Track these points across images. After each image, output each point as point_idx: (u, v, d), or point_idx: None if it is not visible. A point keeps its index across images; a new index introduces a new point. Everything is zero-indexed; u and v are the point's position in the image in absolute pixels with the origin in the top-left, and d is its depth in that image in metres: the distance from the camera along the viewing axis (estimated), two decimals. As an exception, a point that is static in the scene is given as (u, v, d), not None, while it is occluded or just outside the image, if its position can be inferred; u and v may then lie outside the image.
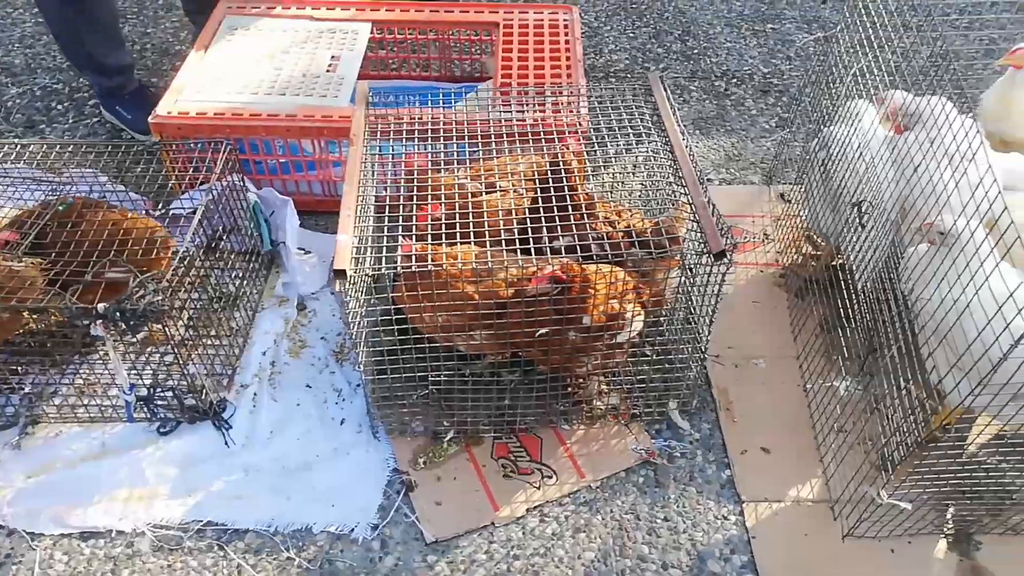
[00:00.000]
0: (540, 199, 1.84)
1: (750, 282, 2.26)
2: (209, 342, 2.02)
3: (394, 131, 2.01)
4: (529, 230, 1.71)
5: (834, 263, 2.37)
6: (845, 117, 2.12)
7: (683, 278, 1.88)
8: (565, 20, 2.79)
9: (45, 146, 2.13)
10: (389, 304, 1.91)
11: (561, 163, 1.84)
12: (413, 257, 1.69)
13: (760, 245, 2.43)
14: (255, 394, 2.02)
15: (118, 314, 1.71)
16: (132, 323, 1.73)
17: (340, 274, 1.55)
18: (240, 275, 2.20)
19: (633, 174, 1.96)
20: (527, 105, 2.34)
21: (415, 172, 1.99)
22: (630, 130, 1.99)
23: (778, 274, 2.31)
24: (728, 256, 1.56)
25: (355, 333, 1.68)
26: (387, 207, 1.78)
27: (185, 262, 1.87)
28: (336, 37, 2.70)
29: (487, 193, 2.04)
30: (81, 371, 2.02)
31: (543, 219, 1.70)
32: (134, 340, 2.06)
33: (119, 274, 1.90)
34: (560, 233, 1.71)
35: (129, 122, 2.80)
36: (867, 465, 1.60)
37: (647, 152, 1.99)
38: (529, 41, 2.68)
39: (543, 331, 1.68)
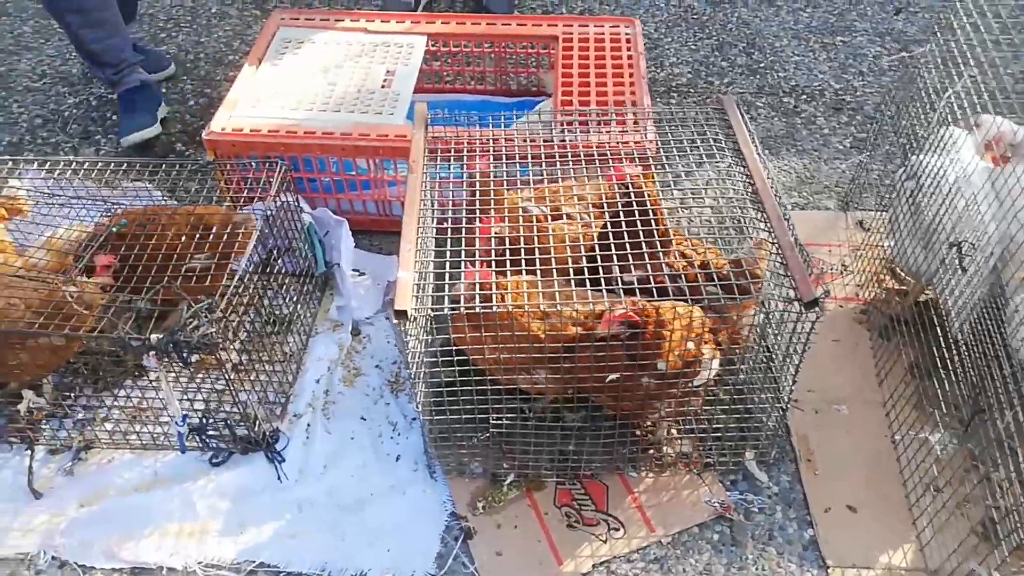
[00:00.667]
0: (610, 228, 1.73)
1: (829, 317, 2.12)
2: (262, 367, 1.95)
3: (455, 152, 1.92)
4: (598, 262, 1.62)
5: (921, 299, 2.23)
6: (938, 146, 1.97)
7: (762, 319, 1.76)
8: (627, 34, 2.67)
9: (99, 164, 2.08)
10: (448, 339, 1.82)
11: (633, 189, 1.73)
12: (477, 290, 1.60)
13: (838, 277, 2.29)
14: (308, 424, 1.95)
15: (171, 346, 1.65)
16: (185, 355, 1.67)
17: (401, 315, 1.46)
18: (294, 298, 2.13)
19: (707, 205, 1.84)
20: (591, 126, 2.24)
21: (477, 175, 1.89)
22: (703, 156, 1.87)
23: (859, 310, 2.17)
24: (820, 305, 1.43)
25: (413, 372, 1.60)
26: (448, 225, 1.69)
27: (239, 286, 1.80)
28: (391, 51, 2.62)
29: (552, 219, 1.94)
30: (133, 395, 1.98)
31: (613, 250, 1.60)
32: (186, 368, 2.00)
33: (203, 262, 1.88)
34: (631, 264, 1.60)
35: (143, 123, 2.75)
36: (971, 535, 1.47)
37: (722, 180, 1.86)
38: (590, 56, 2.57)
39: (614, 376, 1.58)
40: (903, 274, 2.35)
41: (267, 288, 2.09)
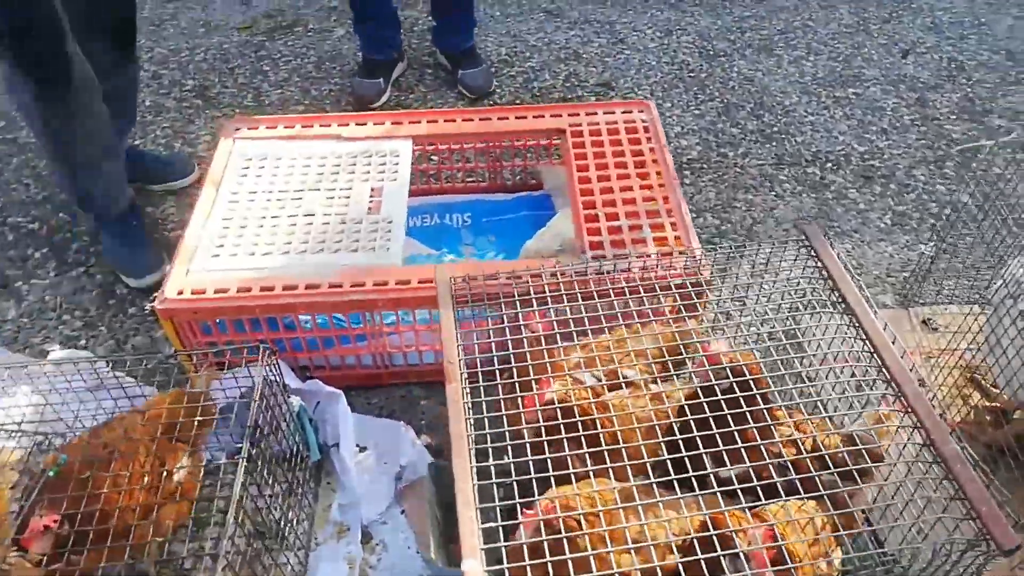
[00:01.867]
0: (691, 407, 1.37)
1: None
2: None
3: (472, 296, 1.54)
4: (681, 450, 1.25)
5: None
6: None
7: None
8: (644, 121, 2.32)
9: (29, 366, 1.63)
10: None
11: (732, 374, 1.37)
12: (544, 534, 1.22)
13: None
14: None
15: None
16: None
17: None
18: (283, 495, 1.70)
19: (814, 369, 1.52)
20: (632, 257, 1.88)
21: (530, 339, 1.50)
22: (795, 304, 1.53)
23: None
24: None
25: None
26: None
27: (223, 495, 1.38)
28: (373, 162, 2.22)
29: (609, 388, 1.56)
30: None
31: (698, 436, 1.24)
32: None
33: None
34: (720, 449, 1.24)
35: (110, 255, 2.37)
36: None
37: (826, 334, 1.52)
38: (606, 151, 2.21)
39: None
40: (988, 385, 2.05)
41: (247, 485, 1.66)
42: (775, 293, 1.61)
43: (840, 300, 1.48)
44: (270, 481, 1.62)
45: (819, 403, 1.52)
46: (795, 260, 1.57)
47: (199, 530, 1.72)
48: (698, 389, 1.37)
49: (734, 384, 1.34)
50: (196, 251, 1.94)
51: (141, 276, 2.29)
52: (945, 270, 2.19)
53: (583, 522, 1.25)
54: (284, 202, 2.09)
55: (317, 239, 1.98)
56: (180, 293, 1.84)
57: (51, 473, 1.42)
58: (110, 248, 2.35)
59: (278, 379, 1.66)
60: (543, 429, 1.28)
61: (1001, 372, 1.77)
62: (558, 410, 1.34)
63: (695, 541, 1.21)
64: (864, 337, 1.42)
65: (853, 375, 1.48)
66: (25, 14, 1.86)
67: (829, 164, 2.73)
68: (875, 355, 1.39)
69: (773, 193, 2.62)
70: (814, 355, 1.56)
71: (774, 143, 2.83)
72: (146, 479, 1.43)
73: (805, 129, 2.89)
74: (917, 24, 3.47)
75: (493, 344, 1.47)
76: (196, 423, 1.55)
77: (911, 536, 1.27)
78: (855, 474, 1.31)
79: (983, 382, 2.04)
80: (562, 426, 1.28)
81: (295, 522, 1.70)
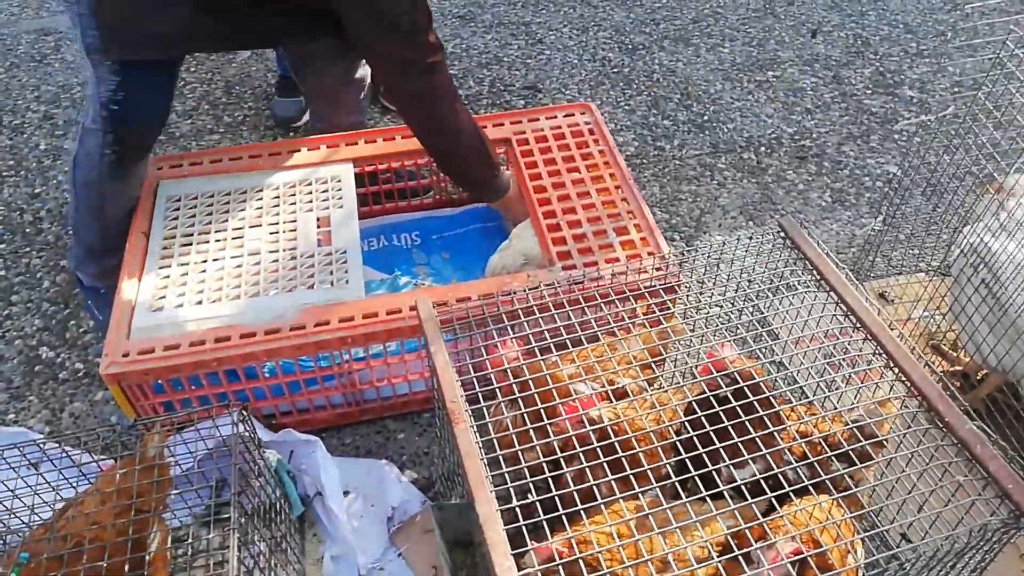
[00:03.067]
0: (696, 413, 1.34)
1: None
2: None
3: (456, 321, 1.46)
4: (690, 454, 1.21)
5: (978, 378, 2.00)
6: (1013, 224, 1.72)
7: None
8: (587, 123, 2.29)
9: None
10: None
11: (740, 377, 1.35)
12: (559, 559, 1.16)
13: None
14: None
15: None
16: None
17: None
18: (269, 553, 1.56)
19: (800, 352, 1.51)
20: (600, 261, 1.84)
21: (507, 368, 1.44)
22: (780, 292, 1.53)
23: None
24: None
25: None
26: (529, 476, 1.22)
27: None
28: (315, 190, 2.10)
29: (612, 400, 1.51)
30: None
31: (708, 438, 1.20)
32: None
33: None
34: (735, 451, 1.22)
35: (100, 323, 2.12)
36: None
37: (810, 320, 1.52)
38: (555, 157, 2.17)
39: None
40: (948, 349, 2.12)
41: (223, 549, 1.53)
42: (750, 285, 1.60)
43: (829, 289, 1.48)
44: (255, 539, 1.49)
45: (817, 390, 1.53)
46: (769, 252, 1.56)
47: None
48: (708, 396, 1.33)
49: (742, 389, 1.32)
50: (135, 308, 1.78)
51: None
52: (891, 243, 2.26)
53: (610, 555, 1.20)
54: (224, 242, 1.94)
55: (268, 279, 1.85)
56: (126, 355, 1.67)
57: (14, 574, 1.25)
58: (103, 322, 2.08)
59: (251, 433, 1.54)
60: (572, 451, 1.21)
61: (969, 339, 1.83)
62: (588, 429, 1.28)
63: (720, 558, 1.17)
64: (859, 324, 1.42)
65: (842, 359, 1.48)
66: (148, 103, 1.87)
67: (763, 148, 2.78)
68: (873, 340, 1.39)
69: (715, 182, 2.64)
70: (798, 340, 1.57)
71: (707, 132, 2.85)
72: (126, 567, 1.28)
73: (734, 115, 2.93)
74: (820, 4, 3.59)
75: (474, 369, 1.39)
76: (155, 490, 1.41)
77: (932, 526, 1.28)
78: (862, 461, 1.31)
79: (944, 348, 2.11)
80: (594, 448, 1.21)
81: (286, 583, 1.58)
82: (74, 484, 1.51)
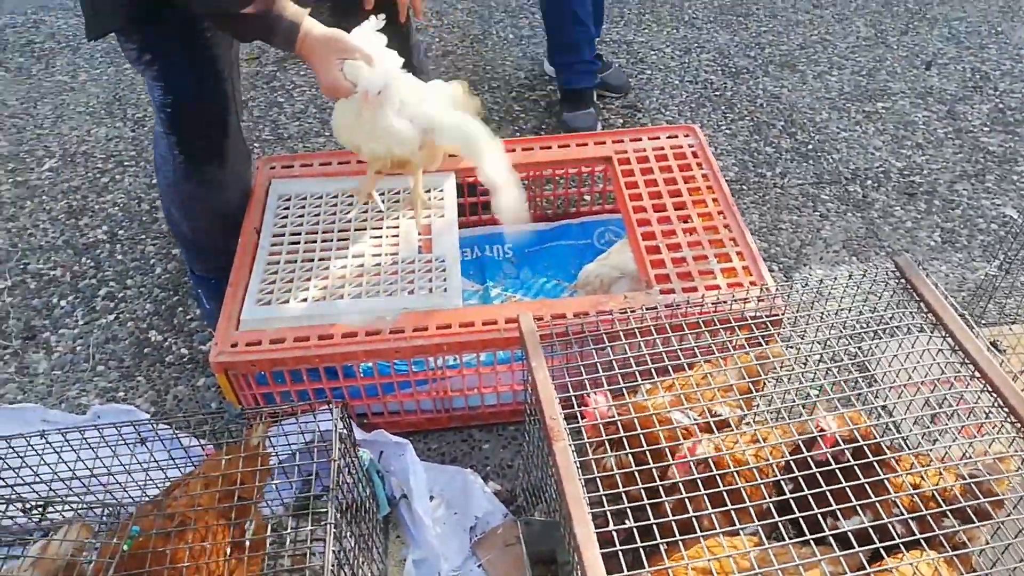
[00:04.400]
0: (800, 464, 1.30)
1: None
2: None
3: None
4: (795, 494, 1.17)
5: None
6: None
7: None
8: (691, 145, 2.27)
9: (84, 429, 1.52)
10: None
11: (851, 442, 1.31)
12: None
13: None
14: None
15: None
16: None
17: None
18: (356, 550, 1.59)
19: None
20: (701, 289, 1.82)
21: (600, 424, 1.43)
22: (893, 333, 1.48)
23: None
24: None
25: None
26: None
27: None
28: (418, 197, 2.14)
29: (702, 430, 1.49)
30: None
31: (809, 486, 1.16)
32: None
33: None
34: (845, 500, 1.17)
35: (207, 313, 2.21)
36: None
37: (923, 366, 1.46)
38: (657, 179, 2.15)
39: None
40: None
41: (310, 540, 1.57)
42: (853, 323, 1.55)
43: (945, 334, 1.42)
44: (347, 535, 1.53)
45: (923, 439, 1.47)
46: (871, 289, 1.51)
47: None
48: (813, 468, 1.29)
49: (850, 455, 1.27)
50: (244, 300, 1.85)
51: None
52: (1006, 289, 2.16)
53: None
54: (330, 243, 2.00)
55: (370, 282, 1.90)
56: (234, 346, 1.75)
57: (125, 547, 1.32)
58: (211, 312, 2.17)
59: (349, 430, 1.58)
60: (673, 480, 1.20)
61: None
62: (691, 460, 1.26)
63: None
64: (978, 373, 1.36)
65: (955, 408, 1.42)
66: (197, 96, 1.81)
67: (870, 181, 2.70)
68: (993, 391, 1.33)
69: (817, 213, 2.57)
70: (904, 385, 1.51)
71: (811, 161, 2.79)
72: (228, 550, 1.34)
73: (840, 146, 2.85)
74: (935, 35, 3.46)
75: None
76: (255, 478, 1.47)
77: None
78: (978, 518, 1.25)
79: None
80: (698, 482, 1.20)
81: (370, 583, 1.61)
82: (180, 465, 1.59)
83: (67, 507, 1.49)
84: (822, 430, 1.32)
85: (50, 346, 2.23)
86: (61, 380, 2.12)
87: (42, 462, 1.47)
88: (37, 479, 1.49)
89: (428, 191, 2.16)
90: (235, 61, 1.92)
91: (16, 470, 1.47)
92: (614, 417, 1.38)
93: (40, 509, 1.63)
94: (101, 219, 2.63)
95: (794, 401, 1.52)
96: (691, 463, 1.29)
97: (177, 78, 1.79)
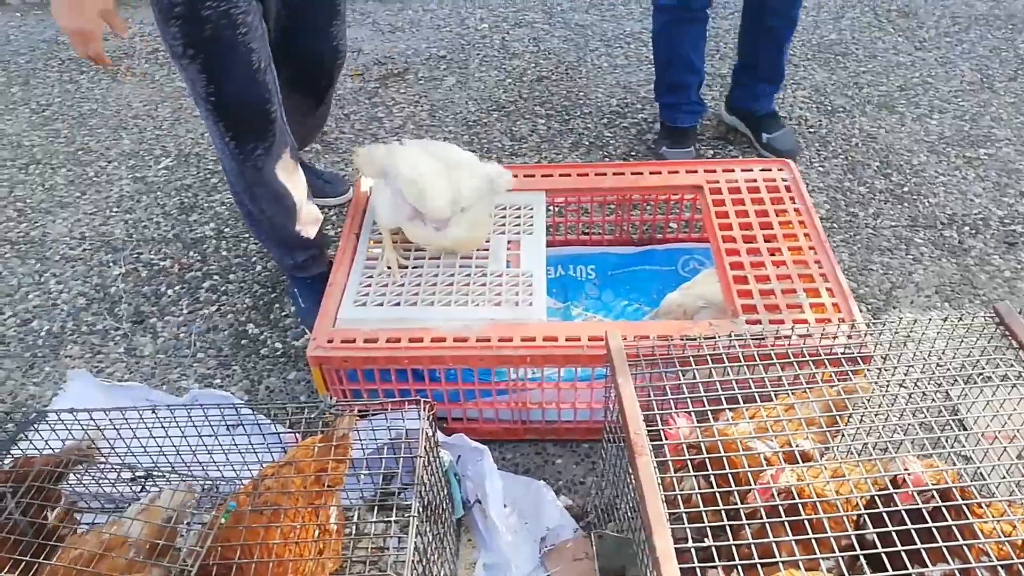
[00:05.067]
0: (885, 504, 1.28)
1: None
2: None
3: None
4: (879, 529, 1.16)
5: None
6: None
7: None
8: (784, 180, 2.27)
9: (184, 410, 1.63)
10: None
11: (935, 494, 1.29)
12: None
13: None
14: None
15: None
16: None
17: None
18: (431, 549, 1.64)
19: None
20: (788, 321, 1.81)
21: (682, 446, 1.44)
22: (976, 377, 1.44)
23: None
24: None
25: None
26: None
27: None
28: (508, 214, 2.21)
29: (793, 460, 1.48)
30: None
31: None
32: None
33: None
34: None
35: (301, 311, 2.33)
36: None
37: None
38: (748, 211, 2.16)
39: None
40: None
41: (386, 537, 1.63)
42: (943, 368, 1.52)
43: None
44: (425, 531, 1.58)
45: (1014, 490, 1.42)
46: (977, 337, 1.48)
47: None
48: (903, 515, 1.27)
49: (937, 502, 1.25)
50: (342, 299, 1.95)
51: None
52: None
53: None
54: (423, 252, 2.08)
55: (460, 290, 1.97)
56: (330, 342, 1.84)
57: (223, 519, 1.41)
58: (306, 310, 2.29)
59: (433, 431, 1.64)
60: (761, 513, 1.21)
61: None
62: (774, 493, 1.27)
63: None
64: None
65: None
66: (238, 87, 1.87)
67: (967, 228, 2.63)
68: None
69: (910, 256, 2.52)
70: (996, 434, 1.47)
71: (906, 204, 2.73)
72: (316, 533, 1.41)
73: (937, 190, 2.79)
74: (1046, 82, 3.35)
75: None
76: (338, 467, 1.53)
77: None
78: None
79: None
80: (781, 510, 1.20)
81: (442, 579, 1.65)
82: (273, 450, 1.67)
83: (167, 480, 1.59)
84: (908, 471, 1.30)
85: (156, 331, 2.38)
86: (164, 363, 2.26)
87: (150, 435, 1.58)
88: (143, 451, 1.60)
89: (519, 208, 2.22)
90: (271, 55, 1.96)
91: (127, 440, 1.58)
92: (697, 439, 1.40)
93: (144, 480, 1.74)
94: (209, 216, 2.79)
95: (879, 439, 1.51)
96: (773, 490, 1.29)
97: (216, 70, 1.82)
